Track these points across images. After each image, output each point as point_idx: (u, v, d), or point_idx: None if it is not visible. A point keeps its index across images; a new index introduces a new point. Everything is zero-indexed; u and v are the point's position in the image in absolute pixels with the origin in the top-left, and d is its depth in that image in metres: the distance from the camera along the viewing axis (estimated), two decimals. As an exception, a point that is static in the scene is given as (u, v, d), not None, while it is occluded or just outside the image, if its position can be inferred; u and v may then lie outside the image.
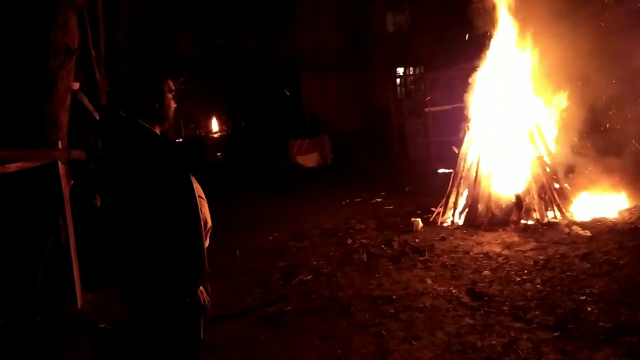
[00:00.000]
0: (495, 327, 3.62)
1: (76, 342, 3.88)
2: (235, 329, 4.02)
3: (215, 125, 34.32)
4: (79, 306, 4.44)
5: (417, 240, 6.02)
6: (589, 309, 3.75)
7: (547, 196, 6.40)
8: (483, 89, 7.17)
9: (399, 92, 19.09)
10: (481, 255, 5.26)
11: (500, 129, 6.85)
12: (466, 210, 6.68)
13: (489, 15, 7.03)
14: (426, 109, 13.11)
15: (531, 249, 5.31)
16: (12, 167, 4.02)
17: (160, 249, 2.23)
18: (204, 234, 2.38)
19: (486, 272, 4.75)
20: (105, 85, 6.38)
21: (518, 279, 4.52)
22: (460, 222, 6.64)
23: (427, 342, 3.50)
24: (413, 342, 3.52)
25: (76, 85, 5.01)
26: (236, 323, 4.14)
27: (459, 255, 5.35)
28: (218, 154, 21.53)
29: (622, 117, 7.29)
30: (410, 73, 19.07)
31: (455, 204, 6.84)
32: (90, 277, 4.59)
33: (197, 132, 31.75)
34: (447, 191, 7.04)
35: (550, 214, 6.30)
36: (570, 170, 6.61)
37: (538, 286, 4.30)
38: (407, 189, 9.61)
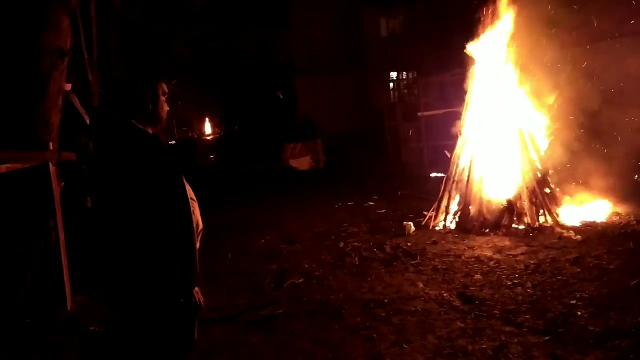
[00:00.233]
0: (487, 331, 3.63)
1: (66, 345, 3.85)
2: (225, 333, 4.00)
3: (208, 127, 34.28)
4: (69, 308, 4.41)
5: (409, 244, 6.03)
6: (579, 313, 3.77)
7: (538, 201, 6.44)
8: (475, 94, 7.21)
9: (392, 96, 19.17)
10: (473, 260, 5.28)
11: (492, 134, 6.89)
12: (458, 214, 6.71)
13: (481, 22, 7.09)
14: (419, 114, 13.16)
15: (522, 254, 5.34)
16: (2, 168, 3.99)
17: (153, 251, 2.23)
18: (195, 236, 2.38)
19: (478, 276, 4.77)
20: (98, 87, 6.35)
21: (509, 283, 4.54)
22: (453, 226, 6.67)
23: (419, 345, 3.51)
24: (404, 345, 3.52)
25: (68, 87, 4.99)
26: (226, 326, 4.11)
27: (451, 259, 5.36)
28: (211, 156, 21.52)
29: (611, 122, 7.36)
30: (404, 78, 19.15)
31: (448, 208, 6.87)
32: (80, 279, 4.56)
33: (190, 134, 31.71)
34: (440, 195, 7.07)
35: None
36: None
37: (529, 290, 4.32)
38: (400, 193, 9.64)
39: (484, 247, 5.71)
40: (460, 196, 6.82)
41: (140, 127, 2.33)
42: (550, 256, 5.14)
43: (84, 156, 4.87)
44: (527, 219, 6.30)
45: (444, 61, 12.79)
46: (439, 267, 5.16)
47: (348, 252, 5.92)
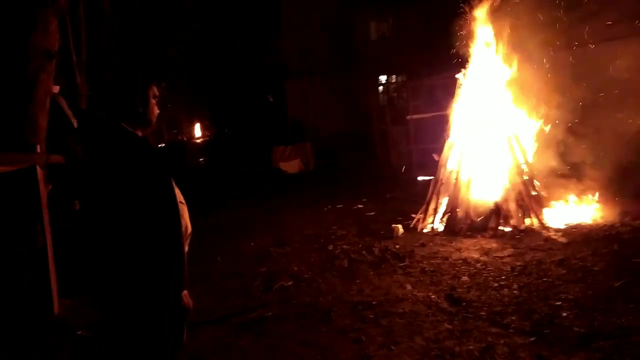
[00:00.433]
0: (473, 332, 3.67)
1: (53, 350, 3.82)
2: (215, 335, 4.00)
3: (198, 130, 34.14)
4: (56, 312, 4.38)
5: (397, 247, 6.07)
6: (564, 314, 3.83)
7: (524, 203, 6.52)
8: (464, 98, 7.29)
9: (381, 99, 19.26)
10: (460, 261, 5.33)
11: (479, 137, 6.97)
12: (446, 216, 6.77)
13: (469, 26, 7.17)
14: (408, 117, 13.23)
15: (508, 255, 5.40)
16: (-11, 171, 3.96)
17: (141, 254, 2.23)
18: (184, 239, 2.38)
19: (465, 278, 4.82)
20: (86, 89, 6.32)
21: (495, 284, 4.59)
22: (440, 228, 6.73)
23: (406, 347, 3.54)
24: (392, 347, 3.55)
25: (56, 89, 4.96)
26: (216, 329, 4.12)
27: (438, 261, 5.41)
28: (201, 159, 21.45)
29: (597, 126, 7.46)
30: (393, 81, 19.27)
31: (435, 210, 6.93)
32: (68, 283, 4.54)
33: (180, 137, 31.57)
34: (427, 198, 7.13)
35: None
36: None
37: (515, 292, 4.38)
38: (388, 196, 9.69)
39: (471, 249, 5.77)
40: (448, 198, 6.88)
41: (130, 129, 2.33)
42: (535, 258, 5.21)
43: (71, 159, 4.84)
44: (513, 221, 6.38)
45: (432, 64, 12.89)
46: (426, 269, 5.20)
47: (337, 255, 5.95)
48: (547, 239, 5.83)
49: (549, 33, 6.98)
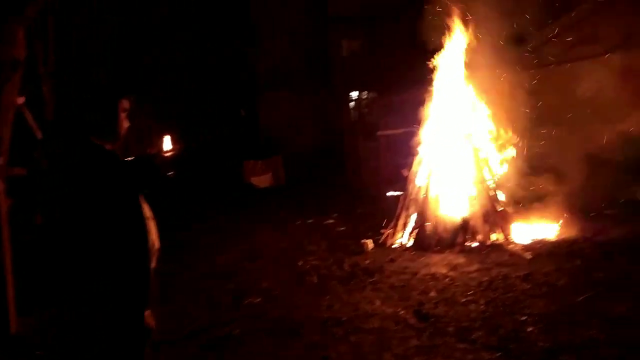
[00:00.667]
0: (441, 348, 3.70)
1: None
2: (180, 355, 3.92)
3: (168, 143, 33.71)
4: (13, 331, 4.22)
5: (367, 262, 6.09)
6: (529, 329, 3.90)
7: (491, 219, 6.64)
8: (433, 113, 7.41)
9: (353, 115, 19.44)
10: (428, 277, 5.39)
11: (448, 153, 7.09)
12: (415, 232, 6.84)
13: (438, 42, 7.32)
14: (378, 133, 13.38)
15: (475, 270, 5.48)
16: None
17: (105, 270, 2.18)
18: (150, 255, 2.34)
19: (432, 294, 4.87)
20: (53, 101, 6.19)
21: (463, 299, 4.65)
22: (409, 243, 6.79)
23: (375, 363, 3.54)
24: (361, 363, 3.55)
25: (21, 100, 4.84)
26: (181, 348, 4.04)
27: (407, 277, 5.45)
28: (169, 173, 21.14)
29: (562, 144, 7.67)
30: (364, 97, 19.50)
31: (405, 225, 6.99)
32: (27, 300, 4.38)
33: (149, 150, 31.08)
34: (397, 213, 7.19)
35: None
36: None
37: (482, 307, 4.44)
38: (358, 211, 9.73)
39: (439, 264, 5.83)
40: (417, 214, 6.96)
41: (98, 143, 2.29)
42: (502, 273, 5.30)
43: (35, 171, 4.71)
44: (480, 237, 6.49)
45: (403, 81, 13.08)
46: (395, 284, 5.23)
47: (307, 270, 5.93)
48: (513, 254, 5.95)
49: (514, 53, 7.19)
